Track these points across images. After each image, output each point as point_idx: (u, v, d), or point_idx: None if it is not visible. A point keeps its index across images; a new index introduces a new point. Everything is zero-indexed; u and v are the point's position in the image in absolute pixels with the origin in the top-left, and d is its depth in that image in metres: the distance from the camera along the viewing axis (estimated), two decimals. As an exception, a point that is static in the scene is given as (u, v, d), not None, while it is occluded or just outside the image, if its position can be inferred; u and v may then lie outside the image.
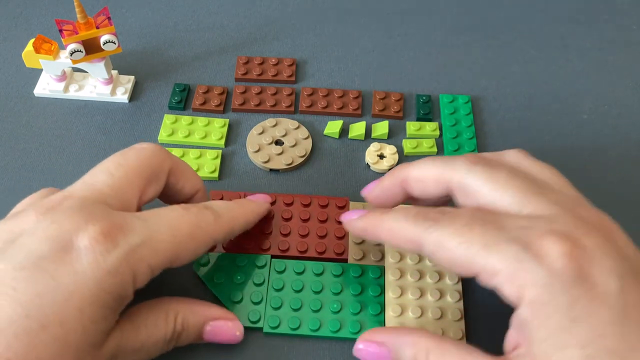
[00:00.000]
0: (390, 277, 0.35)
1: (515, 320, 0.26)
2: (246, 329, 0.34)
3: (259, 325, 0.34)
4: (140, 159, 0.31)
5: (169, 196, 0.34)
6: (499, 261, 0.25)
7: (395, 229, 0.29)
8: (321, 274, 0.36)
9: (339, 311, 0.34)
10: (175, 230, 0.29)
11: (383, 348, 0.30)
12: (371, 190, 0.34)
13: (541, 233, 0.25)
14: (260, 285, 0.35)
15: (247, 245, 0.36)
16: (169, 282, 0.35)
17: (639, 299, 0.24)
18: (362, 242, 0.37)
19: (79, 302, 0.26)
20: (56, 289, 0.25)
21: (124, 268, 0.27)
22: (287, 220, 0.38)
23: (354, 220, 0.32)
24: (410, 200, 0.33)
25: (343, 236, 0.37)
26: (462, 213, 0.28)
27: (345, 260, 0.36)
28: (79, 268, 0.26)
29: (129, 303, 0.29)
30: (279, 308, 0.34)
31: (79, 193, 0.29)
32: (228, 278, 0.35)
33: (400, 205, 0.32)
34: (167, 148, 0.41)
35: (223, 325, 0.32)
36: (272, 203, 0.38)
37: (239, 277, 0.35)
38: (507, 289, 0.25)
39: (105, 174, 0.30)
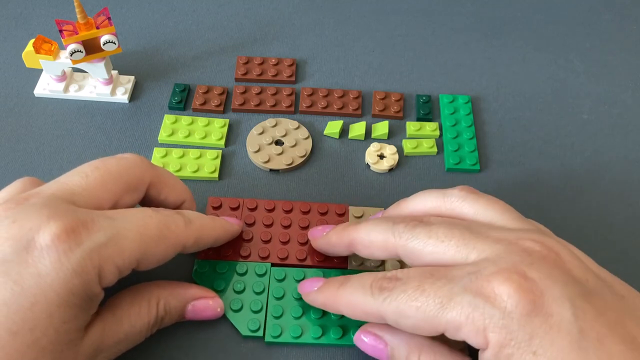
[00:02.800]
0: None
1: None
2: (247, 338, 0.34)
3: (258, 334, 0.33)
4: (120, 167, 0.31)
5: (152, 207, 0.33)
6: (458, 315, 0.25)
7: (353, 303, 0.29)
8: None
9: (341, 318, 0.34)
10: (143, 230, 0.29)
11: (380, 341, 0.30)
12: (317, 240, 0.35)
13: (488, 275, 0.26)
14: (260, 293, 0.35)
15: (247, 253, 0.36)
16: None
17: (593, 320, 0.24)
18: None
19: (46, 306, 0.25)
20: (21, 294, 0.25)
21: (88, 267, 0.26)
22: (286, 227, 0.38)
23: (313, 294, 0.32)
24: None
25: None
26: (412, 275, 0.28)
27: (345, 267, 0.36)
28: (43, 269, 0.25)
29: (109, 293, 0.29)
30: (280, 317, 0.34)
31: (47, 191, 0.28)
32: (227, 286, 0.35)
33: (353, 275, 0.31)
34: (167, 148, 0.41)
35: (204, 304, 0.33)
36: (271, 210, 0.38)
37: (238, 286, 0.35)
38: (473, 339, 0.25)
39: (79, 175, 0.30)
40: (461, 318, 0.25)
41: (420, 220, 0.30)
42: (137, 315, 0.30)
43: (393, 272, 0.29)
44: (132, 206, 0.32)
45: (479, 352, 0.26)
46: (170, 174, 0.34)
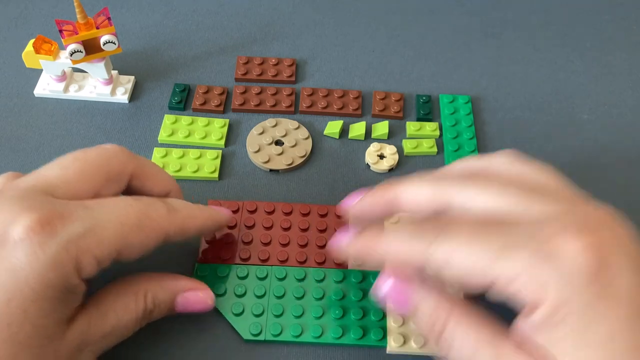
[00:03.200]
0: None
1: (528, 324, 0.24)
2: (247, 339, 0.34)
3: (260, 338, 0.33)
4: (100, 158, 0.30)
5: None
6: (514, 267, 0.24)
7: (394, 247, 0.27)
8: (322, 280, 0.36)
9: (341, 317, 0.34)
10: (122, 219, 0.28)
11: (406, 287, 0.27)
12: (354, 205, 0.32)
13: (554, 230, 0.24)
14: (261, 297, 0.35)
15: (246, 255, 0.36)
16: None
17: None
18: None
19: (22, 302, 0.25)
20: None
21: (64, 259, 0.26)
22: (286, 230, 0.38)
23: (348, 245, 0.30)
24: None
25: None
26: (463, 223, 0.26)
27: (346, 267, 0.36)
28: (17, 263, 0.25)
29: (96, 286, 0.28)
30: (280, 315, 0.34)
31: (24, 184, 0.28)
32: (228, 290, 0.35)
33: (390, 223, 0.30)
34: (167, 148, 0.41)
35: (194, 296, 0.32)
36: (271, 212, 0.38)
37: (239, 289, 0.35)
38: (526, 295, 0.24)
39: (59, 167, 0.29)
40: (517, 270, 0.23)
41: (474, 172, 0.29)
42: (124, 309, 0.29)
43: (434, 219, 0.27)
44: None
45: (523, 314, 0.24)
46: (153, 164, 0.33)
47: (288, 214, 0.38)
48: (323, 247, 0.37)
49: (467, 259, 0.25)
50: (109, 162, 0.30)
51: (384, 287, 0.28)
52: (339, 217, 0.38)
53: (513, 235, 0.24)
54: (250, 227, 0.37)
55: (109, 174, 0.30)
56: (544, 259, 0.24)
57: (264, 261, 0.36)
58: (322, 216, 0.38)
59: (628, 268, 0.24)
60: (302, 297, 0.35)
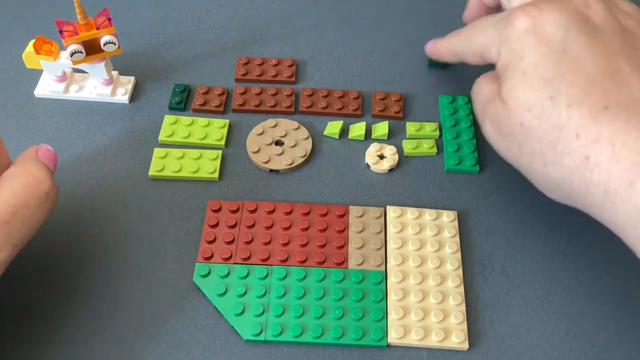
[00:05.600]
0: (392, 279, 0.36)
1: (493, 74, 0.36)
2: (247, 339, 0.34)
3: (260, 338, 0.33)
4: None
5: None
6: (487, 38, 0.36)
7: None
8: (322, 279, 0.36)
9: (341, 317, 0.34)
10: None
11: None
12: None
13: (514, 8, 0.34)
14: (261, 297, 0.35)
15: (247, 255, 0.36)
16: (168, 294, 0.35)
17: (579, 45, 0.32)
18: (362, 246, 0.37)
19: None
20: None
21: None
22: (287, 229, 0.38)
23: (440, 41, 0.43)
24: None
25: (343, 245, 0.37)
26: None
27: (346, 267, 0.36)
28: None
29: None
30: (280, 315, 0.34)
31: None
32: (229, 290, 0.35)
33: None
34: (167, 149, 0.41)
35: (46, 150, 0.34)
36: (271, 211, 0.38)
37: (239, 289, 0.35)
38: (494, 57, 0.35)
39: None
40: (489, 39, 0.35)
41: None
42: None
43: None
44: None
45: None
46: None
47: (288, 213, 0.38)
48: (324, 246, 0.37)
49: (470, 41, 0.38)
50: None
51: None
52: (339, 216, 0.38)
53: (494, 18, 0.36)
54: (250, 227, 0.38)
55: None
56: (502, 28, 0.34)
57: (265, 260, 0.36)
58: (323, 215, 0.38)
59: (563, 26, 0.32)
60: (303, 296, 0.35)
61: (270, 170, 0.41)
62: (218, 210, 0.38)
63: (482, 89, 0.37)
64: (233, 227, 0.38)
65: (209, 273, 0.36)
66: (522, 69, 0.33)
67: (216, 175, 0.41)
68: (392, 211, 0.39)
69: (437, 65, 0.47)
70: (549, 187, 0.33)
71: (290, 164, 0.41)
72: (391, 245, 0.37)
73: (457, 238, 0.38)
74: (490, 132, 0.36)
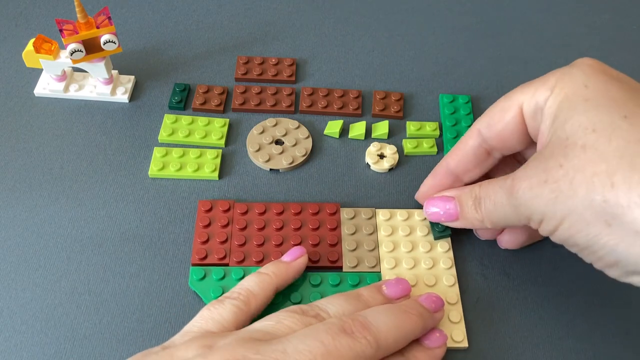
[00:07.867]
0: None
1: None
2: None
3: None
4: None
5: None
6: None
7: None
8: (319, 284, 0.35)
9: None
10: None
11: (451, 201, 0.35)
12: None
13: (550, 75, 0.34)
14: None
15: (241, 258, 0.36)
16: (165, 297, 0.35)
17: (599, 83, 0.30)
18: (356, 248, 0.37)
19: None
20: None
21: None
22: (279, 230, 0.37)
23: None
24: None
25: (336, 243, 0.37)
26: None
27: (340, 268, 0.36)
28: None
29: None
30: None
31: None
32: (224, 292, 0.34)
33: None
34: (167, 148, 0.41)
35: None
36: (262, 213, 0.38)
37: None
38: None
39: None
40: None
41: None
42: None
43: None
44: None
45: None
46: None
47: (280, 213, 0.38)
48: (317, 245, 0.37)
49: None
50: None
51: (433, 212, 0.36)
52: (331, 214, 0.38)
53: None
54: (242, 229, 0.37)
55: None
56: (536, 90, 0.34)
57: (259, 262, 0.36)
58: (314, 214, 0.38)
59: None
60: (300, 303, 0.34)
61: (271, 169, 0.41)
62: (209, 211, 0.38)
63: (490, 196, 0.33)
64: (225, 226, 0.37)
65: (205, 276, 0.35)
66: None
67: (216, 174, 0.41)
68: (381, 214, 0.39)
69: (444, 233, 0.38)
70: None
71: (291, 163, 0.41)
72: (383, 249, 0.37)
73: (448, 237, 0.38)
74: (527, 193, 0.30)
